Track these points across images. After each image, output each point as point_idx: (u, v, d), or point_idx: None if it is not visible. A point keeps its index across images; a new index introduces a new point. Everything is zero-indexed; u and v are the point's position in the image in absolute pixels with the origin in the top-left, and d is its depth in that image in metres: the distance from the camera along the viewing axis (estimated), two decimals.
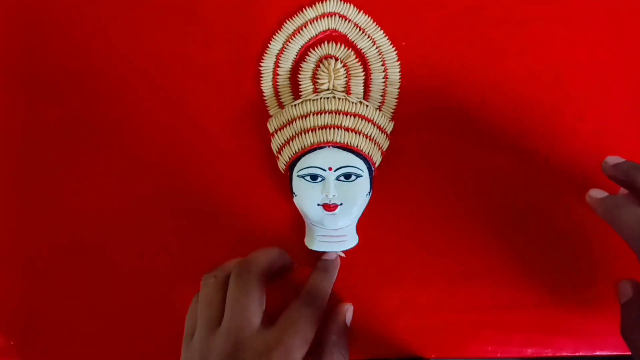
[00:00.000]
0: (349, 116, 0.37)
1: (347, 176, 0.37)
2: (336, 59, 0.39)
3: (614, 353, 0.38)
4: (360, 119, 0.37)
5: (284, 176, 0.38)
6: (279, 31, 0.40)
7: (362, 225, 0.38)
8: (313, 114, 0.38)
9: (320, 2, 0.40)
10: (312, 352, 0.31)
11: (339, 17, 0.40)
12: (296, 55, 0.40)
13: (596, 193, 0.35)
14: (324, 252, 0.38)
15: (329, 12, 0.40)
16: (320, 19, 0.40)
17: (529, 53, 0.40)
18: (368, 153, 0.37)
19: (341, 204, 0.36)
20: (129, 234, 0.40)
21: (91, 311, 0.39)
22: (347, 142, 0.37)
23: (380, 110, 0.39)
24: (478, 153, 0.39)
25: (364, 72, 0.39)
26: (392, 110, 0.40)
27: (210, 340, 0.30)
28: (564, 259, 0.38)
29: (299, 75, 0.40)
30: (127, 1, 0.41)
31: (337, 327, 0.34)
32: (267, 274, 0.33)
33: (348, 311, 0.36)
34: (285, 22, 0.40)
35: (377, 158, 0.38)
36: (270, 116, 0.39)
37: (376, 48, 0.40)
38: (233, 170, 0.40)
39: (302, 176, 0.37)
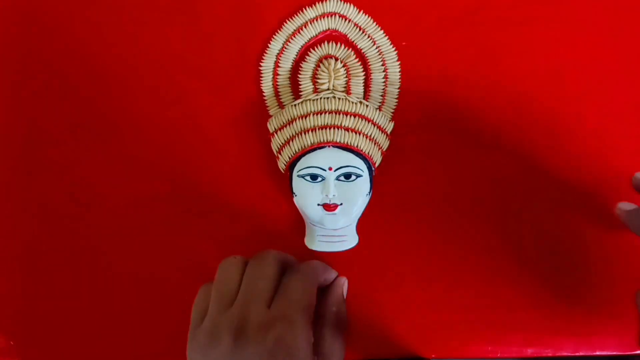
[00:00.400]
0: (349, 116, 0.37)
1: (347, 176, 0.37)
2: (336, 59, 0.39)
3: (614, 353, 0.38)
4: (360, 119, 0.37)
5: (284, 176, 0.38)
6: (279, 31, 0.40)
7: (362, 225, 0.38)
8: (313, 114, 0.38)
9: (320, 2, 0.40)
10: (313, 325, 0.32)
11: (339, 17, 0.40)
12: (296, 55, 0.40)
13: (625, 206, 0.35)
14: (323, 252, 0.38)
15: (329, 12, 0.40)
16: (320, 19, 0.40)
17: (529, 53, 0.40)
18: (368, 153, 0.37)
19: (341, 204, 0.36)
20: (128, 234, 0.40)
21: (91, 311, 0.39)
22: (347, 142, 0.37)
23: (380, 110, 0.39)
24: (478, 153, 0.39)
25: (364, 72, 0.39)
26: (392, 110, 0.40)
27: (221, 318, 0.31)
28: (564, 258, 0.38)
29: (299, 75, 0.40)
30: (127, 1, 0.41)
31: (335, 300, 0.36)
32: (284, 262, 0.34)
33: (344, 285, 0.37)
34: (285, 22, 0.40)
35: (377, 158, 0.38)
36: (270, 116, 0.39)
37: (376, 48, 0.40)
38: (233, 171, 0.40)
39: (302, 176, 0.37)
